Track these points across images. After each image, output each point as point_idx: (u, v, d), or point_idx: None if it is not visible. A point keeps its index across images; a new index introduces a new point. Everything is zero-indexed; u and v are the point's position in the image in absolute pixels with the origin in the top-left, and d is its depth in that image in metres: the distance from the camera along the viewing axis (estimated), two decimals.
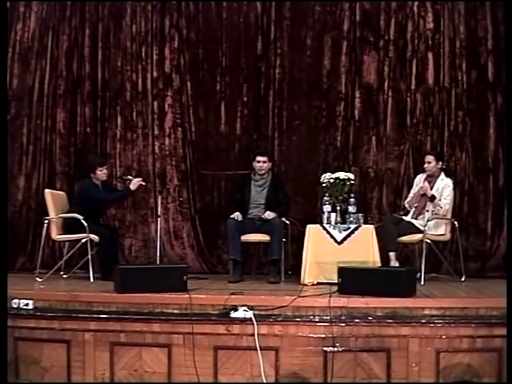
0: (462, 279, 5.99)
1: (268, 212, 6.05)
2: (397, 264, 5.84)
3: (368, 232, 5.71)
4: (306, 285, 5.54)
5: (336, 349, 4.44)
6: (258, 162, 6.16)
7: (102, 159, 6.43)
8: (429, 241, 5.92)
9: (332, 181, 5.94)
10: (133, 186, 6.05)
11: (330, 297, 4.65)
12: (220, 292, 4.96)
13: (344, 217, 5.82)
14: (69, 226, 5.97)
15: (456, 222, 6.03)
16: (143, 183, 6.18)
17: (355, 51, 7.05)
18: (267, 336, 4.49)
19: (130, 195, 6.37)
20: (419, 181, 6.22)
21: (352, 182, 6.00)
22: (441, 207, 5.92)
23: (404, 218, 6.14)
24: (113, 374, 4.61)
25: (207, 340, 4.53)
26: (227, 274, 6.12)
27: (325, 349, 4.46)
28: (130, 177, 6.28)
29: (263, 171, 6.20)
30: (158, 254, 6.38)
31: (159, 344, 4.59)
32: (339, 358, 4.43)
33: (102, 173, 6.13)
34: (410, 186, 6.45)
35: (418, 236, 5.90)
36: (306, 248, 5.73)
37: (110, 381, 4.61)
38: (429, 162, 6.11)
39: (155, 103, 7.25)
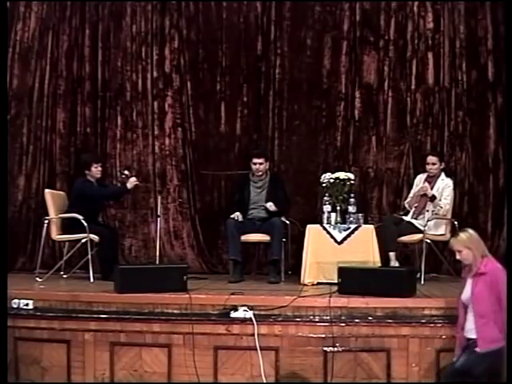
0: None
1: (270, 203, 6.03)
2: (397, 264, 5.84)
3: (368, 232, 5.70)
4: (306, 285, 5.54)
5: (336, 349, 4.45)
6: (255, 163, 6.15)
7: (97, 156, 6.55)
8: (429, 241, 5.92)
9: (332, 181, 5.94)
10: (129, 185, 6.10)
11: (330, 297, 4.66)
12: (220, 292, 4.96)
13: (344, 217, 5.82)
14: (68, 226, 5.97)
15: (456, 222, 6.02)
16: (138, 182, 6.19)
17: (355, 51, 7.05)
18: (267, 336, 4.50)
19: (125, 193, 6.37)
20: (419, 181, 6.22)
21: (352, 181, 6.00)
22: (441, 207, 5.92)
23: (404, 217, 6.13)
24: (113, 374, 4.62)
25: (207, 340, 4.54)
26: (227, 274, 6.12)
27: (325, 349, 4.46)
28: (126, 172, 6.31)
29: (260, 173, 6.18)
30: (158, 254, 6.39)
31: (159, 344, 4.59)
32: (339, 358, 4.44)
33: (96, 170, 6.17)
34: (410, 186, 6.45)
35: (418, 236, 5.90)
36: (306, 248, 5.73)
37: (109, 381, 4.62)
38: (433, 164, 6.07)
39: (155, 103, 7.25)
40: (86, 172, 6.15)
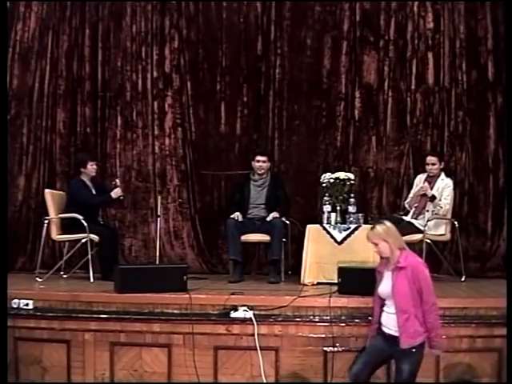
0: (462, 279, 5.98)
1: (272, 214, 6.04)
2: None
3: None
4: (306, 285, 5.55)
5: (336, 349, 4.45)
6: (258, 161, 6.19)
7: (93, 154, 6.63)
8: (429, 241, 5.92)
9: (332, 181, 5.95)
10: (114, 195, 6.13)
11: (330, 297, 4.66)
12: (220, 292, 4.96)
13: (344, 217, 5.82)
14: (68, 225, 5.98)
15: (456, 222, 6.02)
16: (122, 194, 6.20)
17: (355, 51, 7.05)
18: (267, 336, 4.50)
19: (111, 202, 6.39)
20: (419, 181, 6.22)
21: (352, 182, 6.00)
22: (441, 207, 5.92)
23: (404, 217, 6.13)
24: (113, 374, 4.63)
25: (207, 340, 4.54)
26: (227, 274, 6.12)
27: (325, 349, 4.47)
28: (117, 180, 6.33)
29: (262, 171, 6.22)
30: (158, 254, 6.39)
31: (159, 344, 4.60)
32: (339, 358, 4.45)
33: (92, 167, 6.20)
34: (410, 186, 6.45)
35: (418, 236, 5.89)
36: (306, 248, 5.73)
37: (109, 381, 4.62)
38: (433, 164, 6.07)
39: (155, 103, 7.25)
40: (82, 170, 6.18)
